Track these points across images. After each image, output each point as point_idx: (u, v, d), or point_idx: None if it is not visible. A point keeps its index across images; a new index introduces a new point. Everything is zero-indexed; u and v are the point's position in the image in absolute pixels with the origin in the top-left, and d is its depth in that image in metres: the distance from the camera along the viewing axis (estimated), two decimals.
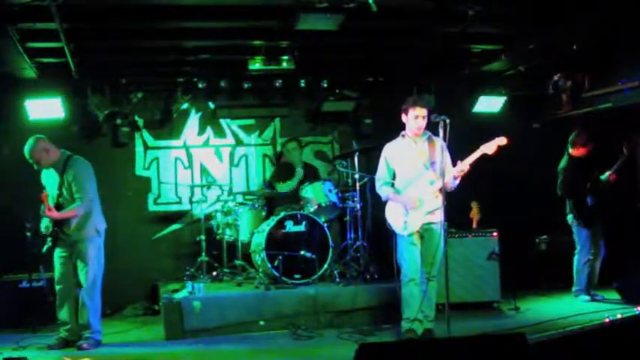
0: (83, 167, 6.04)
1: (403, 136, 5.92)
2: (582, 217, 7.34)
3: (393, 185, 5.92)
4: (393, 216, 5.86)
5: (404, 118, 5.84)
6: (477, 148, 5.60)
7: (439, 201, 5.66)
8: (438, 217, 5.67)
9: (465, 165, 5.61)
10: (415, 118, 5.75)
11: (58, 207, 5.87)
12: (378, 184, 6.00)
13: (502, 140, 5.51)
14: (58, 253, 6.02)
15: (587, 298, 7.30)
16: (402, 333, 5.79)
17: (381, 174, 5.97)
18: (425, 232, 5.76)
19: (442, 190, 5.57)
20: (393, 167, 5.94)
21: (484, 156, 5.55)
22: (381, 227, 7.34)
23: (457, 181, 5.72)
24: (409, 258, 5.74)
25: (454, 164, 5.73)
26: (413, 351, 3.45)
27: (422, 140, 5.85)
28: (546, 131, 8.70)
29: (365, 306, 6.73)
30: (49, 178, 6.04)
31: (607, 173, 7.36)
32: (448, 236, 6.09)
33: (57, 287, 6.07)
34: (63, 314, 6.03)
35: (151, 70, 8.06)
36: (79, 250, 5.99)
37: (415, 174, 5.80)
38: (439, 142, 5.68)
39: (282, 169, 8.31)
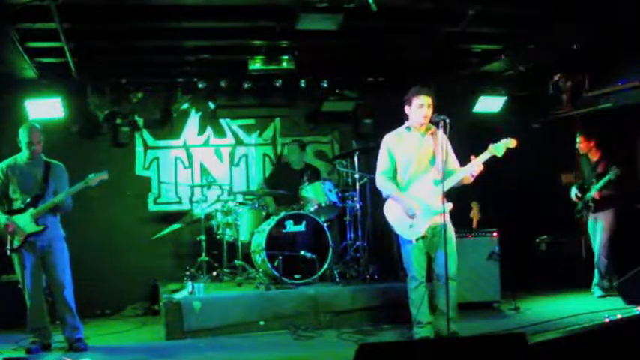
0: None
1: (408, 128, 5.60)
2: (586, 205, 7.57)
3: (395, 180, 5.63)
4: (395, 219, 5.56)
5: (407, 109, 5.55)
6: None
7: (445, 202, 5.42)
8: (447, 216, 5.40)
9: (479, 164, 5.37)
10: (420, 106, 5.44)
11: (35, 202, 5.79)
12: (380, 179, 5.61)
13: (512, 143, 5.35)
14: (31, 261, 5.80)
15: (601, 292, 7.39)
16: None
17: (384, 167, 5.60)
18: (436, 233, 5.42)
19: (444, 191, 5.33)
20: (396, 160, 5.60)
21: (494, 158, 5.38)
22: (381, 227, 7.35)
23: (472, 178, 5.47)
24: (415, 262, 5.51)
25: (464, 163, 5.53)
26: (413, 351, 3.44)
27: (428, 133, 5.53)
28: (546, 131, 8.70)
29: (365, 306, 6.73)
30: (25, 172, 5.84)
31: (592, 192, 7.47)
32: None
33: (33, 293, 5.84)
34: (46, 318, 5.95)
35: (151, 70, 8.07)
36: (55, 249, 5.85)
37: (420, 170, 5.50)
38: (441, 137, 5.44)
39: (280, 171, 8.30)
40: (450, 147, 5.56)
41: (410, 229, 5.48)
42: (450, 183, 5.38)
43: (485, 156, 5.39)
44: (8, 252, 5.81)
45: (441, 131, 5.39)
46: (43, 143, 5.90)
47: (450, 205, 5.39)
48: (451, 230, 5.55)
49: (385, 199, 5.70)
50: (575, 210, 7.71)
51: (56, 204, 5.81)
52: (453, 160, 5.60)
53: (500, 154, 5.36)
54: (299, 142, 8.30)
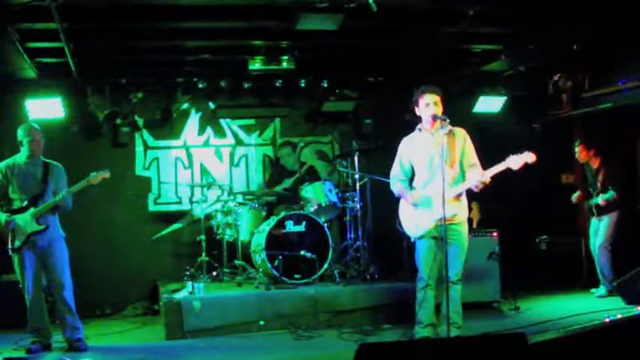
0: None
1: (420, 129, 5.54)
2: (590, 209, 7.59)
3: (410, 184, 5.62)
4: (405, 218, 5.60)
5: (417, 110, 5.50)
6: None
7: (460, 203, 5.39)
8: (460, 218, 5.39)
9: (486, 177, 5.24)
10: (426, 106, 5.37)
11: (35, 202, 5.79)
12: (391, 182, 5.69)
13: (531, 157, 5.14)
14: (31, 261, 5.80)
15: (604, 292, 7.38)
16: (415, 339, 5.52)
17: (395, 171, 5.67)
18: (446, 234, 5.22)
19: (463, 191, 5.33)
20: (407, 164, 5.60)
21: (508, 170, 5.19)
22: (381, 227, 7.37)
23: (477, 189, 5.34)
24: (423, 262, 5.49)
25: None
26: (413, 351, 3.45)
27: (440, 133, 5.32)
28: (546, 131, 8.70)
29: (365, 306, 6.72)
30: (25, 172, 5.83)
31: (598, 200, 7.47)
32: None
33: (33, 293, 5.83)
34: (45, 318, 5.95)
35: (151, 70, 8.06)
36: (55, 249, 5.83)
37: (433, 171, 5.39)
38: (461, 135, 5.41)
39: (277, 172, 8.32)
40: (468, 145, 5.50)
41: (416, 227, 5.51)
42: (455, 191, 5.33)
43: (499, 167, 5.21)
44: (10, 252, 5.81)
45: (462, 130, 5.40)
46: (42, 143, 5.90)
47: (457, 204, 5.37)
48: (463, 233, 5.48)
49: (389, 201, 5.76)
50: (587, 207, 7.69)
51: (57, 203, 5.82)
52: (470, 159, 5.46)
53: (516, 167, 5.15)
54: (289, 142, 8.30)
